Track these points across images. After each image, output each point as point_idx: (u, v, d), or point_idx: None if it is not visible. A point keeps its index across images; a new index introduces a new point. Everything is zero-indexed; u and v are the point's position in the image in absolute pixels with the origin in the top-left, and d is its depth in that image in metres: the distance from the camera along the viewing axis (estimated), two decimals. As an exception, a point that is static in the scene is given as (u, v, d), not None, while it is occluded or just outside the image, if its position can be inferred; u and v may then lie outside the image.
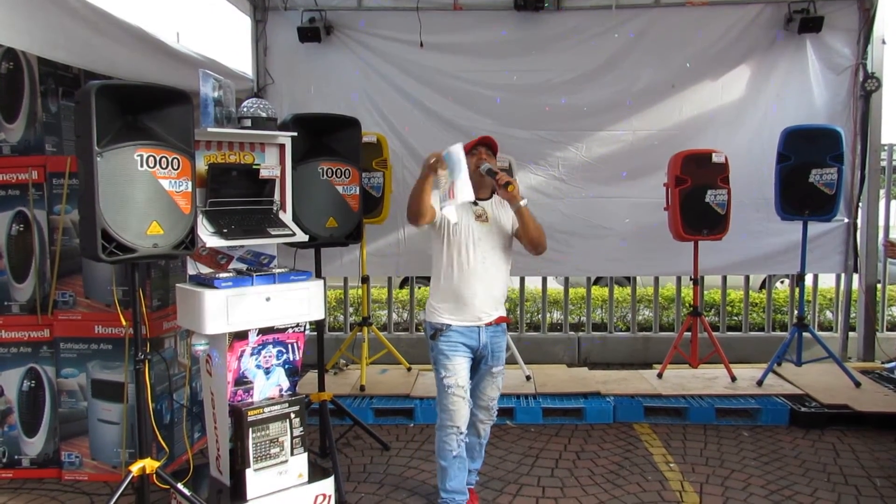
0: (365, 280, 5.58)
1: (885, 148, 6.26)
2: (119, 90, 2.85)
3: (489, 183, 3.35)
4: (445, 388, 3.31)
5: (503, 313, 3.44)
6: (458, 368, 3.31)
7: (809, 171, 5.03)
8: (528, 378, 5.38)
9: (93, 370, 3.92)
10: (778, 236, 5.83)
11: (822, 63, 5.88)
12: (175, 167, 2.94)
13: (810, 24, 5.65)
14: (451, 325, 3.32)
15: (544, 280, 6.59)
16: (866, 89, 5.79)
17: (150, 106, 2.93)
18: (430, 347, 3.43)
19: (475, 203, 3.35)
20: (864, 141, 5.88)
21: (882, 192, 6.29)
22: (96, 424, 3.95)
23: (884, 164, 6.27)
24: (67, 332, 3.92)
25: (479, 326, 3.33)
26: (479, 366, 3.43)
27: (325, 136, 3.92)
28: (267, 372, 3.41)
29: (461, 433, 3.33)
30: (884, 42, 5.83)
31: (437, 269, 3.42)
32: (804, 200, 5.06)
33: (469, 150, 3.28)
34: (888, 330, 6.43)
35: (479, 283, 3.31)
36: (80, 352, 3.92)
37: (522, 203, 3.22)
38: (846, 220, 5.97)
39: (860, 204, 5.98)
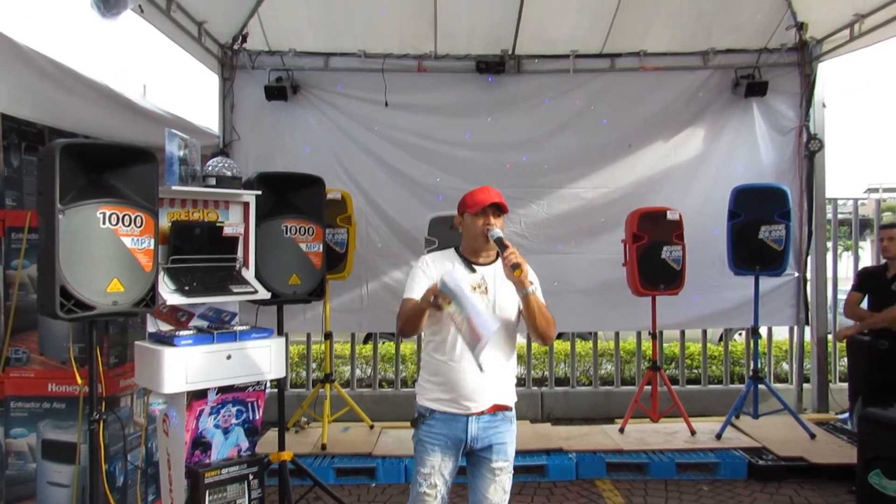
0: (328, 336, 5.56)
1: (830, 202, 6.54)
2: (84, 149, 2.87)
3: (493, 248, 2.87)
4: (418, 483, 2.84)
5: (503, 401, 2.85)
6: (436, 463, 2.81)
7: (759, 227, 5.24)
8: (491, 434, 5.35)
9: (44, 430, 3.79)
10: (732, 291, 5.98)
11: (769, 124, 6.19)
12: (138, 225, 2.94)
13: (756, 89, 5.98)
14: (434, 412, 2.81)
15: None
16: (810, 150, 6.10)
17: (114, 164, 2.95)
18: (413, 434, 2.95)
19: (473, 270, 2.87)
20: (809, 198, 6.16)
21: (829, 244, 6.53)
22: (45, 487, 3.80)
23: (829, 216, 6.53)
24: (19, 390, 3.80)
25: (467, 416, 2.78)
26: (473, 459, 2.87)
27: (289, 194, 3.96)
28: (226, 432, 3.36)
29: None
30: (824, 105, 6.19)
31: (426, 341, 2.94)
32: (755, 256, 5.24)
33: (476, 213, 2.83)
34: (840, 381, 6.60)
35: (472, 366, 2.68)
36: (32, 411, 3.80)
37: (531, 290, 2.69)
38: (796, 275, 6.18)
39: (808, 258, 6.21)
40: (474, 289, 2.78)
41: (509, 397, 2.87)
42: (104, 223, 2.83)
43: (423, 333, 2.91)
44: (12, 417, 3.81)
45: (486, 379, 2.74)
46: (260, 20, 5.69)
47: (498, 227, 2.81)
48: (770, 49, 6.06)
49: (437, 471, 2.80)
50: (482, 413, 2.79)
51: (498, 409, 2.83)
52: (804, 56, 6.08)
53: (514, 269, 2.64)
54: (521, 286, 2.69)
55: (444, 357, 2.80)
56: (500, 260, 2.80)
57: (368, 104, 6.06)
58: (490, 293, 2.82)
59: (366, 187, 6.05)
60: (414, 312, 2.71)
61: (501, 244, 2.74)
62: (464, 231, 2.93)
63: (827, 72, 6.18)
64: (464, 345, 2.66)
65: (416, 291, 2.78)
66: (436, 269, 2.83)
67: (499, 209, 2.84)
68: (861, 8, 5.24)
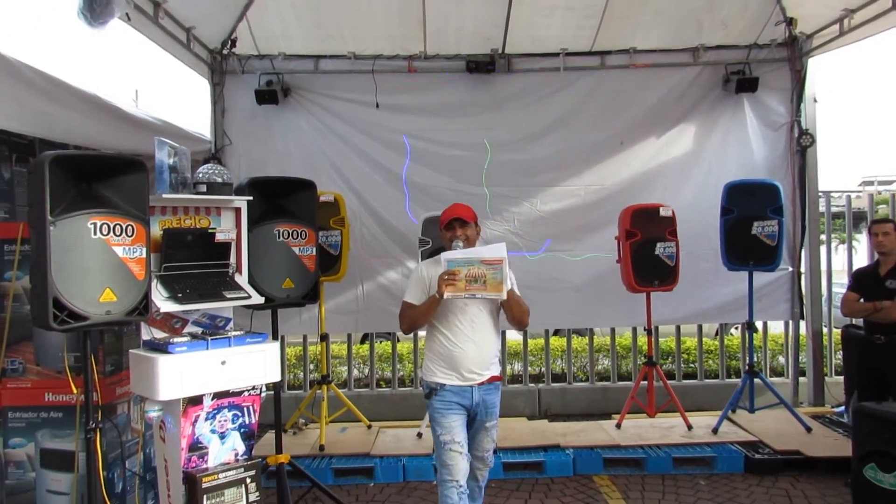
0: (324, 338, 5.57)
1: (823, 196, 6.54)
2: (73, 160, 2.89)
3: (473, 241, 3.51)
4: (443, 445, 3.38)
5: (496, 372, 3.52)
6: (454, 426, 3.38)
7: (752, 223, 5.25)
8: (488, 432, 5.39)
9: (42, 439, 3.81)
10: (727, 286, 6.00)
11: (760, 120, 6.19)
12: (129, 234, 2.96)
13: (746, 85, 5.96)
14: (444, 385, 3.41)
15: (503, 332, 6.64)
16: (801, 145, 6.10)
17: (104, 174, 2.96)
18: (427, 405, 3.52)
19: None
20: (802, 193, 6.17)
21: (823, 237, 6.54)
22: (45, 495, 3.82)
23: (822, 209, 6.54)
24: (16, 400, 3.82)
25: (471, 386, 3.41)
26: (473, 421, 3.49)
27: (281, 199, 3.98)
28: (222, 437, 3.38)
29: (460, 486, 3.35)
30: (815, 100, 6.18)
31: (429, 331, 3.54)
32: (748, 251, 5.25)
33: (443, 229, 3.52)
34: (836, 374, 6.62)
35: (469, 345, 3.42)
36: (30, 421, 3.82)
37: (504, 296, 3.32)
38: (790, 269, 6.18)
39: (802, 252, 6.22)
40: None
41: (498, 369, 3.55)
42: (95, 233, 2.84)
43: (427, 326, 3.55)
44: (10, 428, 3.83)
45: (482, 355, 3.43)
46: (248, 24, 5.69)
47: (461, 241, 3.42)
48: (760, 45, 6.05)
49: (455, 429, 3.37)
50: (482, 383, 3.43)
51: (493, 379, 3.50)
52: (794, 51, 6.07)
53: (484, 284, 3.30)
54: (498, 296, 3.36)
55: (447, 345, 3.43)
56: None
57: (359, 106, 6.06)
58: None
59: (358, 188, 6.06)
60: (427, 311, 3.39)
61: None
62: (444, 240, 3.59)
63: (818, 67, 6.20)
64: (461, 335, 3.40)
65: (416, 296, 3.46)
66: (427, 274, 3.49)
67: (462, 222, 3.47)
68: (850, 3, 5.22)
